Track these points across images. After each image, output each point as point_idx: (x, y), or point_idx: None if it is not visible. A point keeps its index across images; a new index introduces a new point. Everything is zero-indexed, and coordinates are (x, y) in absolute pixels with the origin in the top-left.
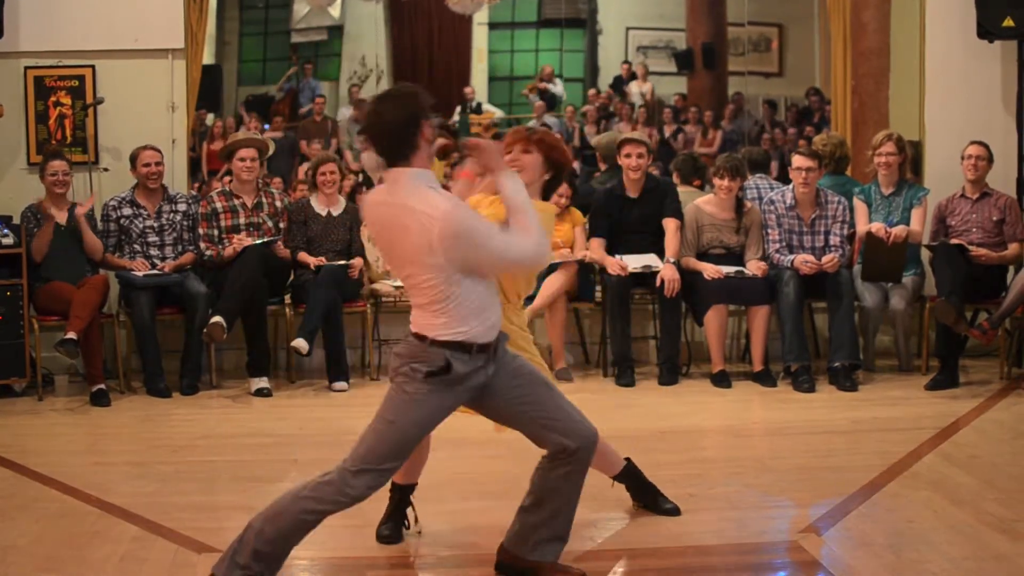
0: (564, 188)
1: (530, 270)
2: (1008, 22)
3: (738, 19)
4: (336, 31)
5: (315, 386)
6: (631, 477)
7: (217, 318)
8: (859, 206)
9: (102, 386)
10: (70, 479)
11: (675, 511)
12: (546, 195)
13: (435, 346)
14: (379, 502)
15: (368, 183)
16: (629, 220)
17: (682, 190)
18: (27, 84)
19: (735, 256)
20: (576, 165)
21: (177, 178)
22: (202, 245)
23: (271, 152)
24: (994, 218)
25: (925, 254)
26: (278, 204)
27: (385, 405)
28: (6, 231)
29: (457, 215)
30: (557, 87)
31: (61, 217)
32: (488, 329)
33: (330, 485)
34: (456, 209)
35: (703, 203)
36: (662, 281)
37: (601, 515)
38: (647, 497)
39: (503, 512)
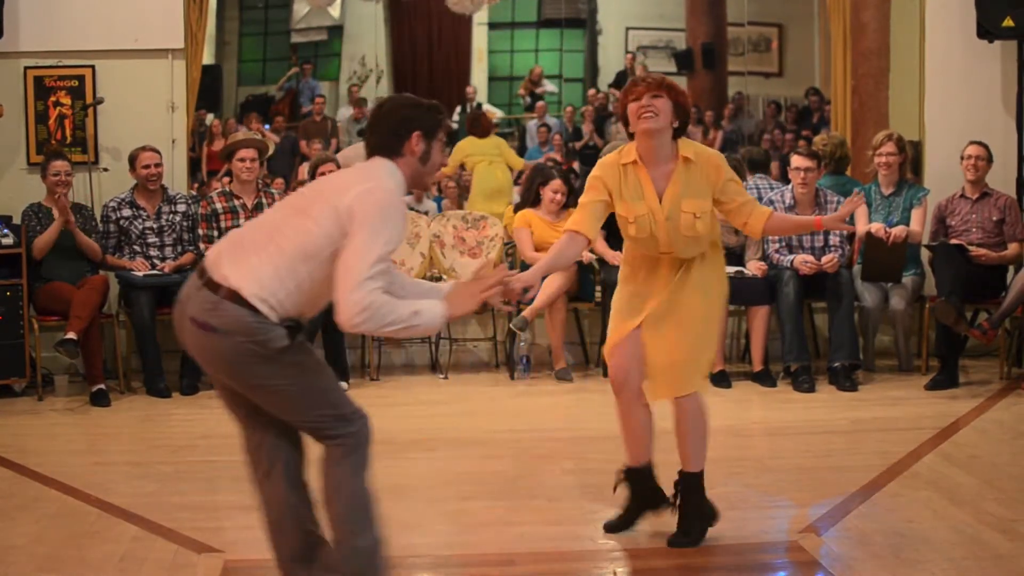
0: (560, 185)
1: (338, 309)
2: (1008, 22)
3: (738, 19)
4: (336, 31)
5: None
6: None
7: None
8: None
9: (102, 386)
10: (70, 479)
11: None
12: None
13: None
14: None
15: None
16: None
17: None
18: (27, 84)
19: (735, 256)
20: (575, 166)
21: (177, 178)
22: (202, 246)
23: (271, 153)
24: (994, 218)
25: (925, 254)
26: None
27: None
28: (6, 231)
29: (389, 197)
30: (547, 86)
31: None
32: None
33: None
34: (392, 194)
35: None
36: None
37: (600, 514)
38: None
39: (503, 512)
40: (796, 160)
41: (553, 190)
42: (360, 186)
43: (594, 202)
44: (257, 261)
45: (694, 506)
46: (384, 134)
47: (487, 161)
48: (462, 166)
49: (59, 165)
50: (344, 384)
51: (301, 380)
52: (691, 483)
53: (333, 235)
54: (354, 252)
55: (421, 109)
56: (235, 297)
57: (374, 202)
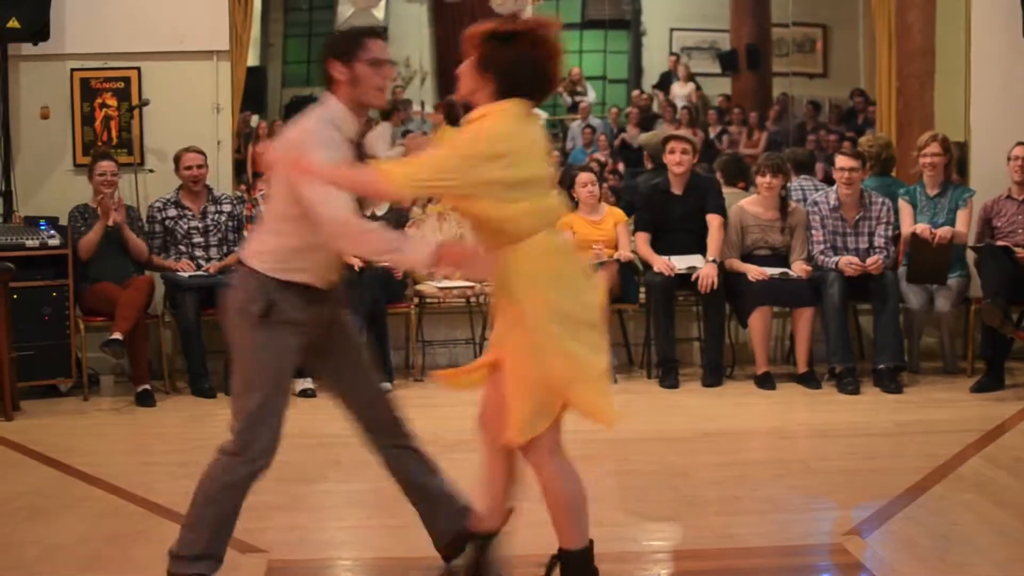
0: (587, 177)
1: (331, 237)
2: None
3: (782, 20)
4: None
5: None
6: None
7: None
8: (904, 207)
9: (147, 386)
10: (115, 479)
11: None
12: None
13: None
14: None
15: None
16: (673, 216)
17: (726, 191)
18: (73, 86)
19: (780, 257)
20: (620, 167)
21: (222, 180)
22: None
23: None
24: None
25: (970, 255)
26: None
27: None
28: (52, 232)
29: (301, 135)
30: (589, 94)
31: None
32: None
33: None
34: (305, 131)
35: (747, 204)
36: (698, 278)
37: (643, 515)
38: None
39: (546, 513)
40: (840, 160)
41: (582, 184)
42: (282, 142)
43: None
44: (254, 232)
45: None
46: (324, 76)
47: None
48: None
49: (105, 165)
50: (388, 385)
51: (252, 359)
52: (568, 562)
53: (281, 191)
54: (310, 195)
55: (335, 38)
56: (239, 262)
57: (288, 148)
